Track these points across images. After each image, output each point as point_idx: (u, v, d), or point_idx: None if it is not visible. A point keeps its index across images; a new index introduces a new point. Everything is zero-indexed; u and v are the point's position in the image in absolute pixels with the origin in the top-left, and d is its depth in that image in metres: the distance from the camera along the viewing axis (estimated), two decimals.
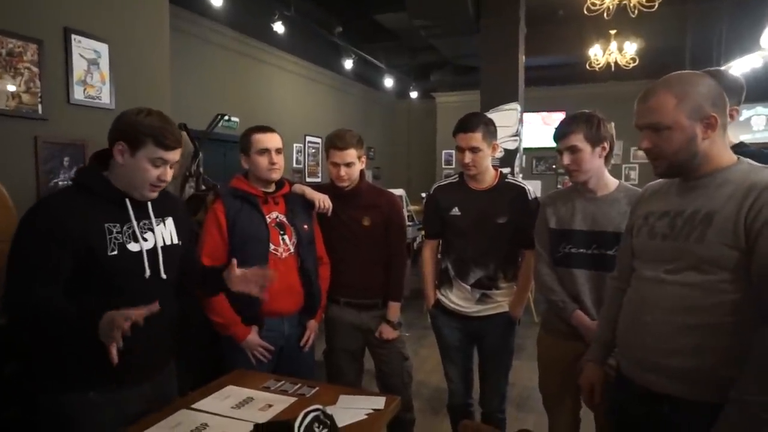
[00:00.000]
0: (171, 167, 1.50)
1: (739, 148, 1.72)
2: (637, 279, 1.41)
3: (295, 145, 7.25)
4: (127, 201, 1.48)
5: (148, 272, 1.49)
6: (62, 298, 1.37)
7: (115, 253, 1.43)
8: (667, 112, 1.24)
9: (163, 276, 1.52)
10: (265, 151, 2.01)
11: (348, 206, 2.25)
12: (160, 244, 1.54)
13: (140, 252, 1.48)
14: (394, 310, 2.29)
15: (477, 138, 2.09)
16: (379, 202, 2.29)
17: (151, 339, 1.50)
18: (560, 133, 1.85)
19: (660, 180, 1.42)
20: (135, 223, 1.49)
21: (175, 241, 1.60)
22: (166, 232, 1.57)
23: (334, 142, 2.19)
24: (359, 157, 2.23)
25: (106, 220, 1.44)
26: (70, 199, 1.43)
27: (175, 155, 1.49)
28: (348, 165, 2.19)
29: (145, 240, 1.50)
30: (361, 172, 2.29)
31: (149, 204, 1.54)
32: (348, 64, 7.29)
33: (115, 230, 1.45)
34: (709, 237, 1.19)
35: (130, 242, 1.47)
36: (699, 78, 1.26)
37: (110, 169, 1.48)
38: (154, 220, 1.54)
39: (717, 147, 1.26)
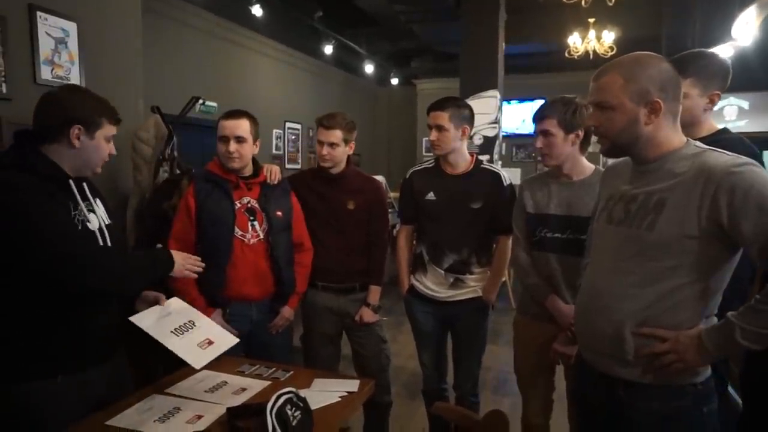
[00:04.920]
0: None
1: (721, 134, 1.70)
2: (591, 265, 1.43)
3: (274, 131, 7.17)
4: (71, 182, 1.46)
5: None
6: None
7: (80, 229, 1.44)
8: (613, 92, 1.24)
9: None
10: (224, 138, 1.99)
11: (334, 189, 2.25)
12: (104, 223, 1.53)
13: (94, 231, 1.49)
14: (375, 293, 2.29)
15: (443, 117, 2.10)
16: (364, 187, 2.30)
17: (109, 315, 1.53)
18: (536, 116, 1.87)
19: (618, 160, 1.43)
20: (82, 204, 1.48)
21: (108, 221, 1.58)
22: (101, 213, 1.56)
23: (322, 121, 2.20)
24: (346, 141, 2.21)
25: (63, 201, 1.43)
26: (26, 179, 1.36)
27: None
28: (332, 145, 2.18)
29: (89, 221, 1.49)
30: (349, 157, 2.29)
31: (85, 186, 1.53)
32: (328, 49, 7.20)
33: (72, 211, 1.44)
34: (659, 224, 1.20)
35: (86, 222, 1.47)
36: (653, 61, 1.25)
37: (51, 152, 1.43)
38: (92, 201, 1.54)
39: (663, 132, 1.25)
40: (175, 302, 1.67)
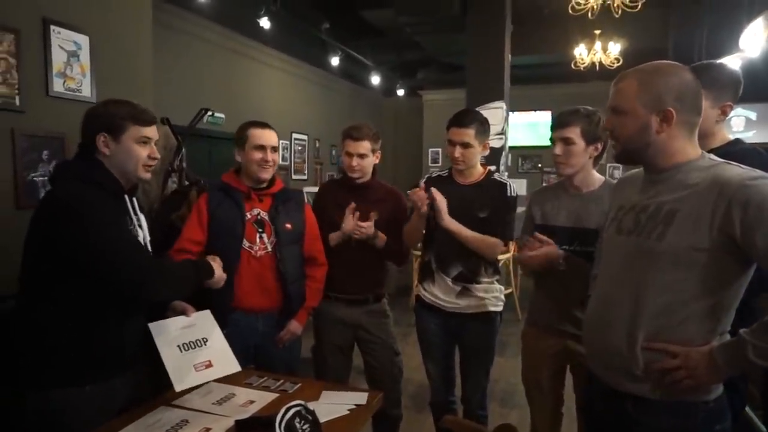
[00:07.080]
0: (156, 144, 1.55)
1: (734, 145, 1.67)
2: (600, 276, 1.41)
3: (281, 142, 7.21)
4: (126, 196, 1.53)
5: None
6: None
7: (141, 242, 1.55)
8: (628, 97, 1.24)
9: None
10: (261, 147, 2.01)
11: (357, 199, 2.25)
12: (147, 239, 1.59)
13: (145, 244, 1.56)
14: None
15: (469, 134, 2.10)
16: (387, 197, 2.33)
17: (139, 324, 1.56)
18: (559, 123, 1.85)
19: (632, 172, 1.42)
20: (134, 217, 1.55)
21: (149, 236, 1.63)
22: (145, 228, 1.61)
23: (350, 133, 2.23)
24: (373, 151, 2.25)
25: (121, 215, 1.51)
26: (96, 194, 1.42)
27: (154, 131, 1.55)
28: (361, 156, 2.22)
29: (138, 236, 1.56)
30: (374, 167, 2.31)
31: (135, 201, 1.58)
32: (335, 60, 7.25)
33: (129, 224, 1.52)
34: (669, 235, 1.19)
35: (138, 235, 1.55)
36: (673, 69, 1.24)
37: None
38: (139, 216, 1.59)
39: (678, 142, 1.24)
40: (203, 316, 1.70)
